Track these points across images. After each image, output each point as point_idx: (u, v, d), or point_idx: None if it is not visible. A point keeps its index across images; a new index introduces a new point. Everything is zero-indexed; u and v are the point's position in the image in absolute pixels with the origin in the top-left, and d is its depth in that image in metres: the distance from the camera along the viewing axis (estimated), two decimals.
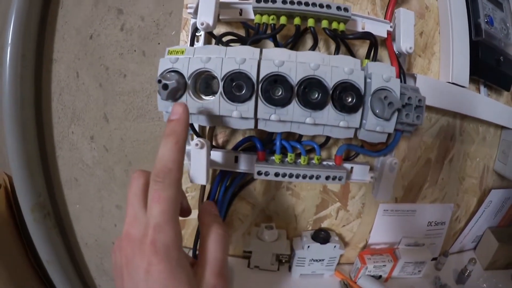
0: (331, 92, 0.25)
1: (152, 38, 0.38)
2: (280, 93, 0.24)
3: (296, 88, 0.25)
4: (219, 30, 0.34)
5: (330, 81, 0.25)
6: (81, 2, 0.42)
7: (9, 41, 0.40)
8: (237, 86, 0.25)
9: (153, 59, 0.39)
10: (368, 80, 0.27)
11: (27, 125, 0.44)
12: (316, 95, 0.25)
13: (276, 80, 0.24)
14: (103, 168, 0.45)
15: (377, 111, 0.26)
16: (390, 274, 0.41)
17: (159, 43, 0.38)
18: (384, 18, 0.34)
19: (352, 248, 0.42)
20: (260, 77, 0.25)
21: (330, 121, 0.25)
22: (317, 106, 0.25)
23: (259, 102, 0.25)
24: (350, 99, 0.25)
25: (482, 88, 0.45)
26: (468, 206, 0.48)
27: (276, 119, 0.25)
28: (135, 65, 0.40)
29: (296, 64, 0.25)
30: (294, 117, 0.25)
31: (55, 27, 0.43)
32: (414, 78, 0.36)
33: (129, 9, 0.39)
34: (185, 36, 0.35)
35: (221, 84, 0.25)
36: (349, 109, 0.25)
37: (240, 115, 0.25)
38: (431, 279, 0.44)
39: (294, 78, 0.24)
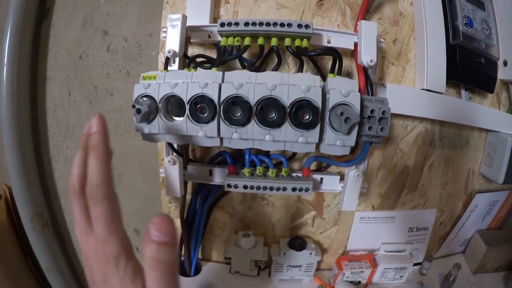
0: (288, 110, 0.26)
1: (135, 59, 0.41)
2: (239, 113, 0.26)
3: (254, 108, 0.26)
4: (193, 51, 0.35)
5: (287, 100, 0.26)
6: (70, 23, 0.45)
7: (5, 61, 0.43)
8: (201, 108, 0.27)
9: (136, 78, 0.41)
10: (327, 95, 0.28)
11: (25, 140, 0.47)
12: (273, 114, 0.26)
13: (235, 102, 0.26)
14: None
15: (335, 126, 0.27)
16: (369, 280, 0.42)
17: (141, 63, 0.40)
18: (354, 29, 0.35)
19: (332, 255, 0.43)
20: (221, 100, 0.26)
21: (289, 138, 0.27)
22: (274, 124, 0.26)
23: (221, 122, 0.27)
24: (307, 116, 0.27)
25: (463, 92, 0.44)
26: (453, 211, 0.48)
27: (237, 137, 0.27)
28: (120, 84, 0.42)
29: (254, 85, 0.26)
30: (254, 135, 0.27)
31: (48, 47, 0.46)
32: (385, 88, 0.36)
33: (113, 31, 0.42)
34: (163, 57, 0.37)
35: (187, 107, 0.27)
36: (306, 126, 0.26)
37: (205, 135, 0.27)
38: (414, 284, 0.44)
39: (252, 99, 0.26)
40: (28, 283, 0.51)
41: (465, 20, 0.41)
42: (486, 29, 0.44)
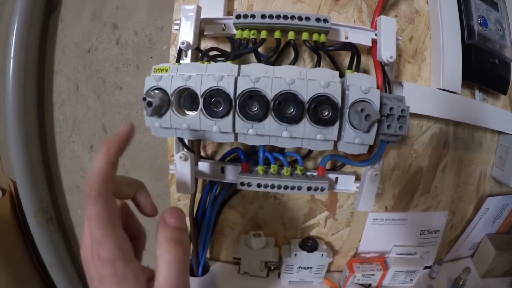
0: (307, 105, 0.25)
1: (145, 52, 0.40)
2: (255, 108, 0.25)
3: (271, 103, 0.25)
4: (206, 44, 0.35)
5: (306, 95, 0.25)
6: (79, 16, 0.44)
7: (12, 54, 0.42)
8: (215, 102, 0.26)
9: (146, 72, 0.40)
10: (346, 92, 0.27)
11: (30, 134, 0.46)
12: (291, 110, 0.25)
13: (252, 96, 0.25)
14: None
15: (355, 123, 0.26)
16: (380, 283, 0.41)
17: (151, 57, 0.40)
18: (371, 26, 0.35)
19: (343, 256, 0.42)
20: (237, 93, 0.25)
21: (307, 135, 0.26)
22: (293, 120, 0.25)
23: (237, 117, 0.26)
24: (326, 113, 0.26)
25: (477, 92, 0.44)
26: (464, 214, 0.48)
27: (253, 133, 0.26)
28: (130, 78, 0.41)
29: (272, 79, 0.25)
30: (270, 131, 0.26)
31: (55, 40, 0.46)
32: (402, 86, 0.36)
33: (123, 24, 0.41)
34: (175, 50, 0.36)
35: (201, 100, 0.26)
36: (325, 123, 0.26)
37: (219, 130, 0.26)
38: None
39: (270, 93, 0.25)
40: (31, 278, 0.51)
41: (480, 20, 0.41)
42: (500, 30, 0.43)
